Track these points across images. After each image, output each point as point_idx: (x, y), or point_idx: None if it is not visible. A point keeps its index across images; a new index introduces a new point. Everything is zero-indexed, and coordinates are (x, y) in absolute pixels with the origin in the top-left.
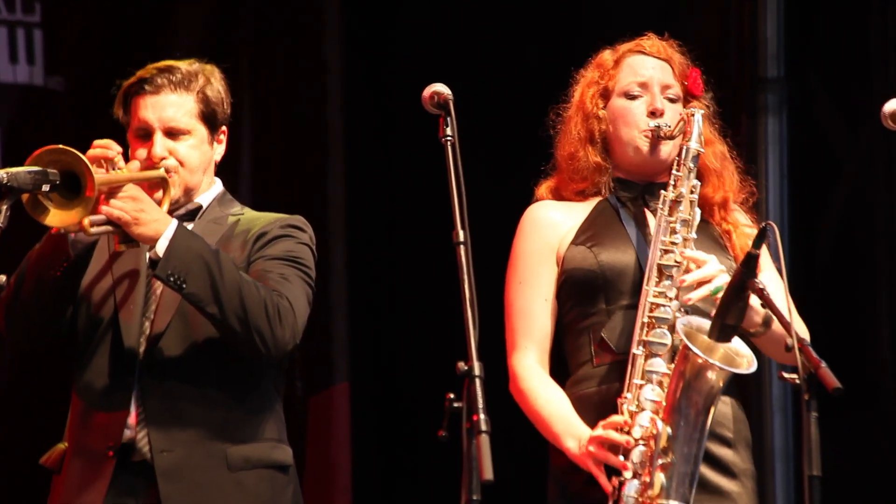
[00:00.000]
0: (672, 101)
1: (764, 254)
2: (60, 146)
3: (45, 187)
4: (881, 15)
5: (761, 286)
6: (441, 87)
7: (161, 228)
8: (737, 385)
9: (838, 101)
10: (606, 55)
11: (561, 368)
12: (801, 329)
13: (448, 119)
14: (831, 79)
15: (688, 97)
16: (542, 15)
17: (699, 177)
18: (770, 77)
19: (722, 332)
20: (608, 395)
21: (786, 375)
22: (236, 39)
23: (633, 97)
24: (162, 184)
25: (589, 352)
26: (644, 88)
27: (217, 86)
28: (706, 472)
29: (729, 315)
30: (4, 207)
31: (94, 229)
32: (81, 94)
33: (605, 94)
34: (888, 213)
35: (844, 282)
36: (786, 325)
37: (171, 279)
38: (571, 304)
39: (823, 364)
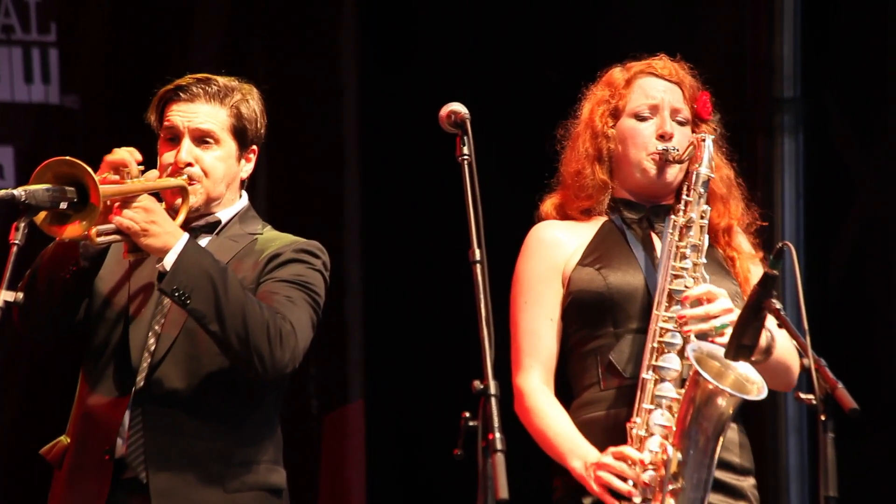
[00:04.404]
0: (681, 124)
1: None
2: (67, 158)
3: (63, 204)
4: None
5: (777, 306)
6: (458, 107)
7: (171, 242)
8: (743, 412)
9: (854, 122)
10: (617, 74)
11: (563, 390)
12: (794, 356)
13: (465, 138)
14: (847, 99)
15: (696, 120)
16: (559, 33)
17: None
18: (786, 97)
19: (738, 351)
20: (617, 420)
21: (802, 396)
22: (251, 57)
23: (642, 119)
24: (182, 192)
25: (596, 374)
26: (654, 111)
27: (253, 105)
28: (714, 498)
29: (745, 335)
30: (23, 225)
31: (101, 238)
32: (97, 113)
33: (615, 114)
34: None
35: (859, 301)
36: (802, 346)
37: (177, 294)
38: (577, 326)
39: (840, 385)
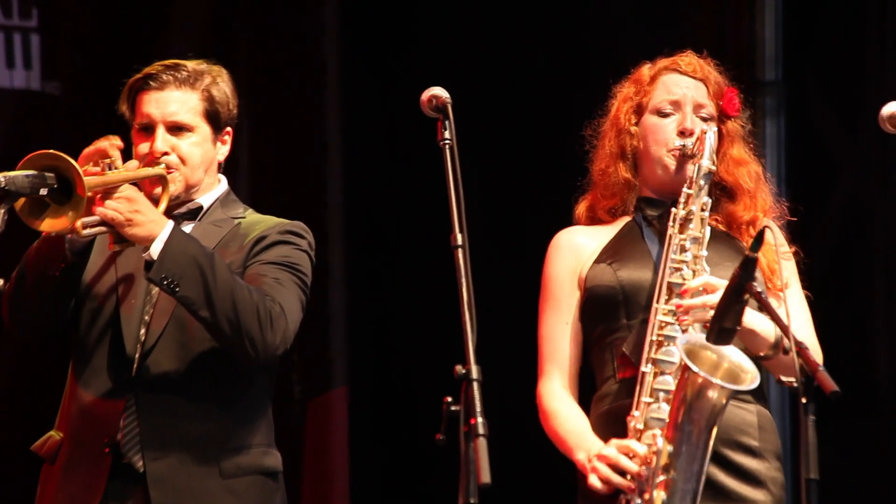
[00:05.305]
0: (705, 120)
1: (793, 273)
2: (50, 151)
3: (43, 191)
4: (878, 19)
5: (759, 289)
6: (439, 91)
7: (156, 230)
8: (763, 395)
9: (836, 105)
10: (644, 70)
11: (592, 387)
12: (816, 354)
13: (446, 122)
14: (829, 82)
15: (722, 117)
16: (544, 18)
17: (731, 195)
18: (767, 80)
19: (719, 335)
20: (620, 412)
21: (784, 379)
22: (233, 42)
23: (664, 115)
24: (161, 181)
25: (612, 367)
26: (676, 107)
27: (224, 86)
28: (727, 480)
29: (726, 318)
30: (2, 212)
31: (87, 231)
32: (79, 99)
33: (639, 111)
34: (885, 217)
35: (842, 285)
36: (783, 328)
37: (165, 282)
38: (596, 322)
39: (821, 367)
